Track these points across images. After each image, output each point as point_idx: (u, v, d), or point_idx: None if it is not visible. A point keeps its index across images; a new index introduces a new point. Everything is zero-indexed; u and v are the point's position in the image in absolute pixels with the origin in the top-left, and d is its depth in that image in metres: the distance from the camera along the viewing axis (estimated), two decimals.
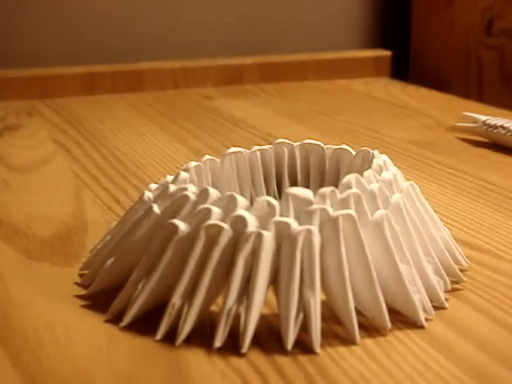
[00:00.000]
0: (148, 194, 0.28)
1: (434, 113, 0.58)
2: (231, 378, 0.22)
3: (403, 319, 0.25)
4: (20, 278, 0.29)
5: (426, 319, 0.25)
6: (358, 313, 0.25)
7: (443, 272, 0.27)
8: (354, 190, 0.25)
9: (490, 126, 0.45)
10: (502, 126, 0.45)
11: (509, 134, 0.45)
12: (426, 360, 0.23)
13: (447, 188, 0.40)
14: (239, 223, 0.24)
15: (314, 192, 0.25)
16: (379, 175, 0.27)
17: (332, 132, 0.50)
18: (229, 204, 0.25)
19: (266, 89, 0.67)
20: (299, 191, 0.25)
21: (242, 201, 0.25)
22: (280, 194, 0.32)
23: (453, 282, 0.28)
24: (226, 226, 0.24)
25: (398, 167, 0.30)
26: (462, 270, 0.29)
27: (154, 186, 0.29)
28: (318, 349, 0.24)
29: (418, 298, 0.25)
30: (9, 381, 0.22)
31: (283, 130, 0.52)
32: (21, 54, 0.68)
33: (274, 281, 0.24)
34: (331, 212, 0.24)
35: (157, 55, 0.70)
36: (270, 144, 0.33)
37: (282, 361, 0.23)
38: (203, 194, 0.25)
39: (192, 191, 0.26)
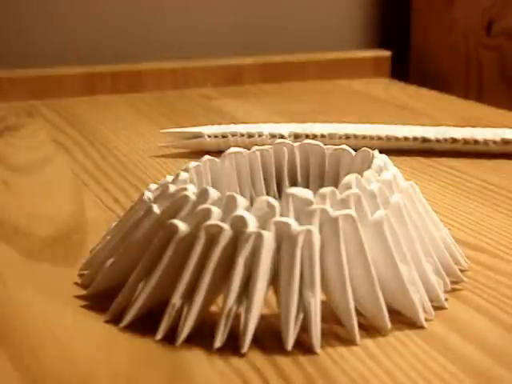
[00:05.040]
0: (148, 194, 0.28)
1: (434, 113, 0.58)
2: (231, 378, 0.22)
3: (403, 319, 0.25)
4: (20, 277, 0.29)
5: (426, 319, 0.25)
6: (358, 313, 0.25)
7: (443, 272, 0.27)
8: (354, 190, 0.25)
9: (215, 135, 0.46)
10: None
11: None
12: (426, 360, 0.23)
13: (447, 188, 0.40)
14: (239, 223, 0.24)
15: (314, 192, 0.25)
16: (379, 175, 0.27)
17: None
18: (229, 204, 0.25)
19: (266, 89, 0.67)
20: (299, 191, 0.25)
21: (241, 201, 0.25)
22: (280, 193, 0.32)
23: (453, 283, 0.28)
24: (225, 226, 0.24)
25: (398, 167, 0.30)
26: (461, 271, 0.29)
27: (154, 186, 0.29)
28: (318, 349, 0.24)
29: (418, 298, 0.25)
30: (9, 381, 0.22)
31: None
32: (21, 54, 0.68)
33: (274, 281, 0.24)
34: (331, 212, 0.24)
35: (157, 55, 0.70)
36: (270, 144, 0.33)
37: (282, 361, 0.23)
38: (203, 194, 0.25)
39: (192, 191, 0.26)
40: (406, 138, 0.46)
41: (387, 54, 0.74)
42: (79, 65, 0.67)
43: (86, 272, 0.29)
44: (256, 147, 0.32)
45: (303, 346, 0.24)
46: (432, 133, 0.46)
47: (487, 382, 0.22)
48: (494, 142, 0.45)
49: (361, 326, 0.25)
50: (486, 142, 0.45)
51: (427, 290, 0.26)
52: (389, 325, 0.25)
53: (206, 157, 0.31)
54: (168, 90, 0.67)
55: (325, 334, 0.24)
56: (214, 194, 0.25)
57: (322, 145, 0.32)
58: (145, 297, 0.25)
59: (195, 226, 0.25)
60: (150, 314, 0.25)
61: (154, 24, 0.71)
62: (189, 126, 0.48)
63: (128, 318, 0.25)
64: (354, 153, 0.31)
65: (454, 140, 0.46)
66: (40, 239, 0.33)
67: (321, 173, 0.32)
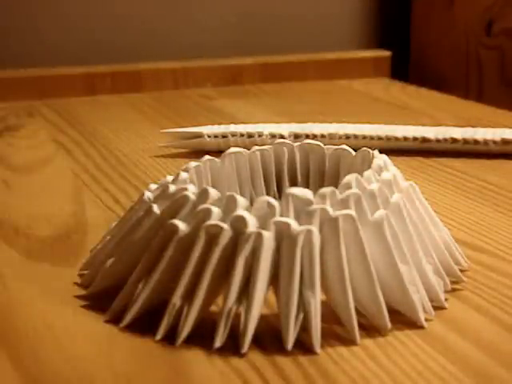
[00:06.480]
0: (148, 194, 0.28)
1: (434, 113, 0.58)
2: (231, 378, 0.22)
3: (403, 319, 0.25)
4: (20, 278, 0.29)
5: (426, 319, 0.25)
6: (358, 313, 0.25)
7: (443, 272, 0.27)
8: (354, 190, 0.25)
9: (215, 135, 0.46)
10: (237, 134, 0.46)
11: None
12: (426, 360, 0.23)
13: (447, 188, 0.40)
14: (239, 223, 0.24)
15: (314, 192, 0.25)
16: (379, 175, 0.27)
17: None
18: (229, 204, 0.25)
19: (266, 89, 0.67)
20: (299, 191, 0.25)
21: (241, 201, 0.25)
22: (280, 193, 0.32)
23: (453, 283, 0.28)
24: (225, 226, 0.24)
25: (398, 167, 0.30)
26: (461, 271, 0.29)
27: (154, 186, 0.29)
28: (318, 349, 0.24)
29: (418, 298, 0.25)
30: (9, 381, 0.22)
31: None
32: (21, 54, 0.68)
33: (274, 281, 0.24)
34: (331, 212, 0.24)
35: (157, 55, 0.70)
36: (270, 144, 0.33)
37: (282, 361, 0.23)
38: (203, 194, 0.25)
39: (192, 191, 0.26)
40: (405, 138, 0.46)
41: (387, 53, 0.74)
42: (79, 65, 0.67)
43: (86, 272, 0.29)
44: (256, 147, 0.32)
45: (303, 345, 0.24)
46: (432, 133, 0.46)
47: (487, 381, 0.22)
48: (494, 142, 0.45)
49: (361, 325, 0.25)
50: (486, 142, 0.45)
51: (427, 290, 0.26)
52: (389, 325, 0.25)
53: (206, 157, 0.31)
54: (168, 89, 0.67)
55: (325, 334, 0.24)
56: (214, 194, 0.25)
57: (321, 145, 0.32)
58: (145, 297, 0.25)
59: (195, 226, 0.25)
60: (150, 313, 0.25)
61: (154, 24, 0.71)
62: (189, 126, 0.48)
63: (128, 317, 0.25)
64: (354, 153, 0.31)
65: (454, 140, 0.46)
66: (40, 239, 0.33)
67: (321, 173, 0.32)
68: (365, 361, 0.23)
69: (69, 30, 0.69)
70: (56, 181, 0.42)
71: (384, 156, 0.29)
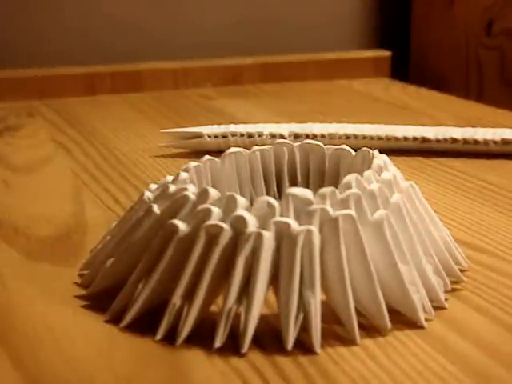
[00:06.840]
0: (148, 194, 0.28)
1: (434, 113, 0.58)
2: (231, 378, 0.22)
3: (403, 319, 0.25)
4: (20, 278, 0.29)
5: (426, 319, 0.25)
6: (358, 313, 0.25)
7: (443, 272, 0.27)
8: (354, 190, 0.25)
9: (215, 135, 0.46)
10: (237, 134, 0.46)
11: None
12: (426, 360, 0.23)
13: (447, 188, 0.40)
14: (239, 223, 0.24)
15: (314, 192, 0.25)
16: (379, 175, 0.27)
17: None
18: (229, 204, 0.25)
19: (266, 89, 0.67)
20: (299, 191, 0.25)
21: (241, 201, 0.25)
22: (280, 193, 0.32)
23: (453, 283, 0.28)
24: (225, 226, 0.24)
25: (398, 167, 0.30)
26: (461, 271, 0.29)
27: (154, 186, 0.29)
28: (318, 349, 0.24)
29: (418, 298, 0.25)
30: (9, 381, 0.22)
31: None
32: (21, 54, 0.68)
33: (274, 281, 0.24)
34: (331, 212, 0.24)
35: (157, 55, 0.70)
36: (270, 144, 0.33)
37: (282, 361, 0.23)
38: (203, 194, 0.25)
39: (192, 191, 0.26)
40: (405, 138, 0.46)
41: (387, 54, 0.74)
42: (79, 65, 0.67)
43: (86, 272, 0.29)
44: (256, 147, 0.32)
45: (303, 345, 0.24)
46: (432, 133, 0.46)
47: (487, 381, 0.22)
48: (494, 142, 0.45)
49: (361, 325, 0.25)
50: (486, 142, 0.45)
51: (427, 290, 0.26)
52: (389, 325, 0.25)
53: (206, 157, 0.31)
54: (168, 89, 0.67)
55: (325, 334, 0.24)
56: (214, 194, 0.25)
57: (321, 145, 0.32)
58: (145, 297, 0.25)
59: (195, 226, 0.25)
60: (150, 313, 0.25)
61: (153, 24, 0.71)
62: (189, 126, 0.48)
63: (128, 317, 0.25)
64: (354, 153, 0.31)
65: (454, 140, 0.46)
66: (40, 239, 0.33)
67: (321, 173, 0.32)
68: (365, 361, 0.23)
69: (69, 30, 0.69)
70: (56, 180, 0.42)
71: (384, 156, 0.29)
